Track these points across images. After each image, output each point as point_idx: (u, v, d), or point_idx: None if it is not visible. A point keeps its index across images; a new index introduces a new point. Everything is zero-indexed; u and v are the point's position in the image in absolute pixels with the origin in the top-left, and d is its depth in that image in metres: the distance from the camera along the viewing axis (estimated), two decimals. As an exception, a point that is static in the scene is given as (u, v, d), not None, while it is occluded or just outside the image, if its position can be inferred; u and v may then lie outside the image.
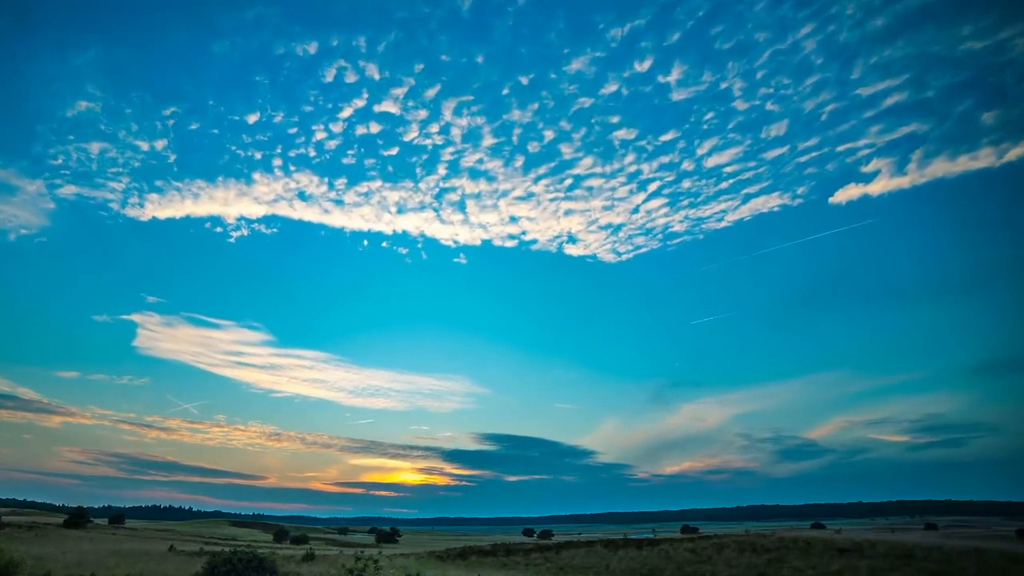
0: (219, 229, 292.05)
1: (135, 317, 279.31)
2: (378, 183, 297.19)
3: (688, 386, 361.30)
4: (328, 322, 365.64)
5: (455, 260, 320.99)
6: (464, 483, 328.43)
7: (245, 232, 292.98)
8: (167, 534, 52.37)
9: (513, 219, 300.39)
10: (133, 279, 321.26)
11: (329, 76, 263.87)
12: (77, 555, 24.88)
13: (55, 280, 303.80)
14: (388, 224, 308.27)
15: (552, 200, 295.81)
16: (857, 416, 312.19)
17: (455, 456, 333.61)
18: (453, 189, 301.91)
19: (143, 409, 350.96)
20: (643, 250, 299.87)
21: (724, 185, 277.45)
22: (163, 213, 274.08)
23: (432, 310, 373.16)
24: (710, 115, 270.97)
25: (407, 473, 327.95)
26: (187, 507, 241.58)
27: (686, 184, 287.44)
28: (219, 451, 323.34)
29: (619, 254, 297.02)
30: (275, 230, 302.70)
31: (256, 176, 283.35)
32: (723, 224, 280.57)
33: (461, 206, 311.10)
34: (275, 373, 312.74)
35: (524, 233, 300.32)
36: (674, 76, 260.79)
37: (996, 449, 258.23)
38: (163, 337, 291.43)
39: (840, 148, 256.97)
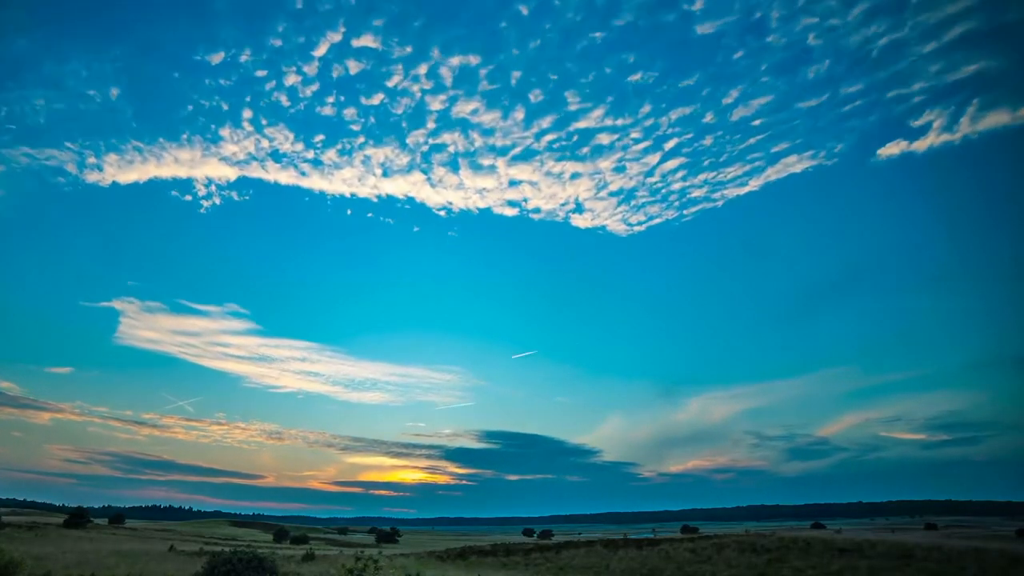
0: (188, 197, 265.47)
1: (117, 304, 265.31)
2: (360, 139, 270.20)
3: (696, 379, 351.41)
4: (314, 306, 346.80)
5: (449, 234, 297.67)
6: (464, 482, 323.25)
7: (217, 200, 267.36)
8: (167, 534, 52.37)
9: (513, 183, 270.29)
10: (109, 259, 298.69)
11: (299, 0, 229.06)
12: (77, 555, 24.87)
13: (23, 262, 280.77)
14: (373, 189, 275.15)
15: (559, 160, 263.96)
16: (870, 413, 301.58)
17: (454, 455, 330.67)
18: (444, 147, 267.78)
19: (127, 404, 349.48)
20: (656, 220, 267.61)
21: (751, 141, 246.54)
22: (125, 177, 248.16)
23: (425, 292, 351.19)
24: (739, 54, 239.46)
25: (406, 472, 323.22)
26: (186, 507, 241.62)
27: (707, 141, 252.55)
28: (215, 449, 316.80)
29: (630, 225, 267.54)
30: (248, 196, 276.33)
31: (224, 132, 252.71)
32: (746, 189, 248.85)
33: (453, 165, 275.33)
34: (265, 366, 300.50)
35: (526, 200, 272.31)
36: (699, 2, 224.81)
37: (1017, 447, 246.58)
38: (144, 325, 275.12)
39: (889, 95, 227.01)
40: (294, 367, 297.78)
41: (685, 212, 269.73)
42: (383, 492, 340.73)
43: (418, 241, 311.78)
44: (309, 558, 28.93)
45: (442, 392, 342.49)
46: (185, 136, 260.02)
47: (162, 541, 40.27)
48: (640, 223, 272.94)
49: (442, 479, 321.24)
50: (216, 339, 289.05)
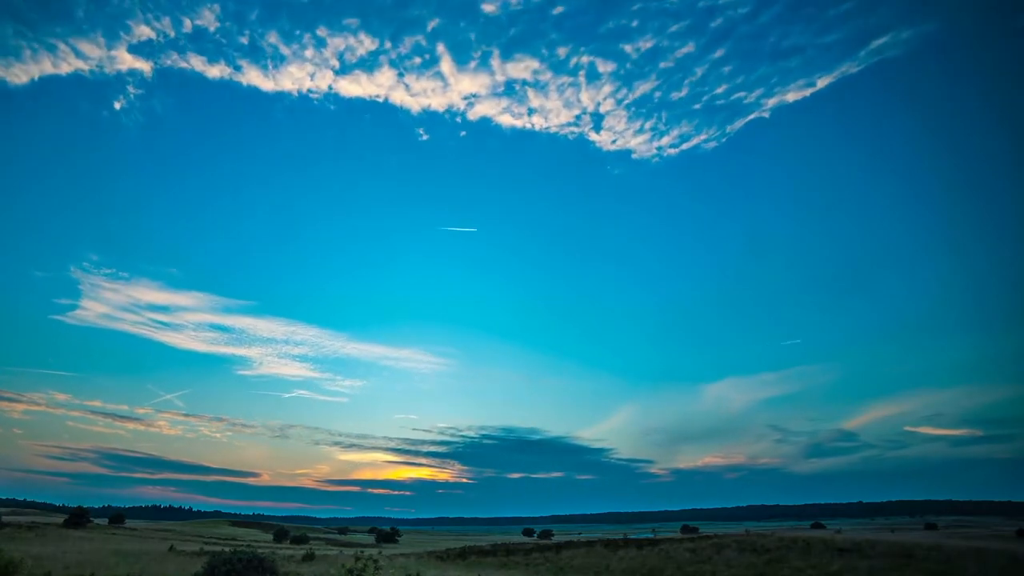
0: (98, 97, 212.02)
1: (76, 274, 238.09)
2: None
3: (717, 362, 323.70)
4: (265, 258, 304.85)
5: (430, 154, 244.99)
6: (464, 480, 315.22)
7: (133, 90, 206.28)
8: (167, 534, 52.40)
9: (510, 89, 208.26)
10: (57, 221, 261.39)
11: None
12: (77, 555, 24.88)
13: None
14: (328, 83, 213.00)
15: (569, 51, 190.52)
16: (903, 405, 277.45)
17: (453, 452, 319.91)
18: (420, 23, 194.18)
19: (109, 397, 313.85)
20: (692, 141, 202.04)
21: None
22: (27, 72, 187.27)
23: (402, 242, 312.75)
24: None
25: (401, 469, 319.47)
26: (186, 507, 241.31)
27: (764, 17, 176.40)
28: (201, 444, 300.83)
29: (660, 149, 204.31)
30: (169, 94, 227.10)
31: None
32: (810, 90, 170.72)
33: (430, 56, 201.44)
34: (234, 348, 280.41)
35: (531, 112, 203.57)
36: None
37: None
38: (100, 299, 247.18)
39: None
40: (273, 351, 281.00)
41: (729, 126, 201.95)
42: (380, 491, 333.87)
43: (387, 147, 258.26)
44: (309, 558, 28.95)
45: (430, 380, 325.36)
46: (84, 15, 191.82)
47: (162, 541, 40.29)
48: (672, 146, 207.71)
49: (442, 476, 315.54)
50: (187, 318, 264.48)
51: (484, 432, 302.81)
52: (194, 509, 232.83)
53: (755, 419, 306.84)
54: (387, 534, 72.53)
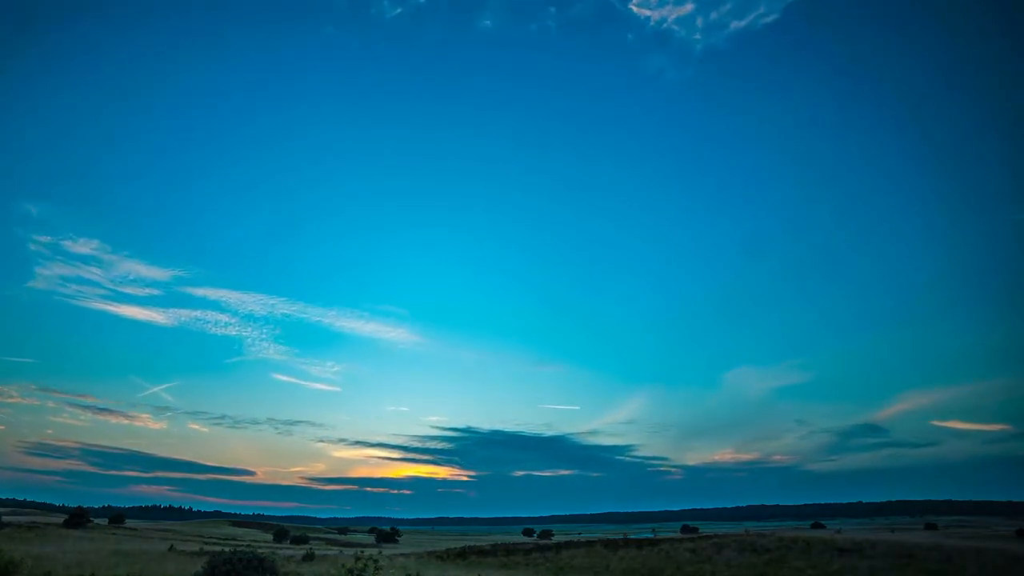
0: None
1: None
2: None
3: (735, 352, 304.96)
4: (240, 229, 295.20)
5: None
6: (464, 478, 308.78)
7: None
8: (167, 534, 52.41)
9: None
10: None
11: None
12: (77, 555, 24.89)
13: None
14: None
15: None
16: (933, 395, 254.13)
17: (452, 450, 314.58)
18: None
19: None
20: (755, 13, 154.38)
21: None
22: None
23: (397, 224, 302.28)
24: None
25: (399, 467, 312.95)
26: (185, 506, 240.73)
27: None
28: (188, 440, 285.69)
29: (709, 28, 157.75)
30: None
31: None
32: None
33: None
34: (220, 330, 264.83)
35: None
36: None
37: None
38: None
39: None
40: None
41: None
42: (378, 489, 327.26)
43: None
44: (309, 558, 28.96)
45: (426, 366, 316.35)
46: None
47: (162, 541, 40.29)
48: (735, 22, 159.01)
49: (441, 473, 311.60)
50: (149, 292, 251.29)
51: (483, 429, 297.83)
52: (193, 509, 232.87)
53: (774, 411, 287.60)
54: (387, 534, 72.55)
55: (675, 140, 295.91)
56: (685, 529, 73.49)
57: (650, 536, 47.94)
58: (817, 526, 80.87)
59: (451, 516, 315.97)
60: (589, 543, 37.10)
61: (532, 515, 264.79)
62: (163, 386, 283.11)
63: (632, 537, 43.90)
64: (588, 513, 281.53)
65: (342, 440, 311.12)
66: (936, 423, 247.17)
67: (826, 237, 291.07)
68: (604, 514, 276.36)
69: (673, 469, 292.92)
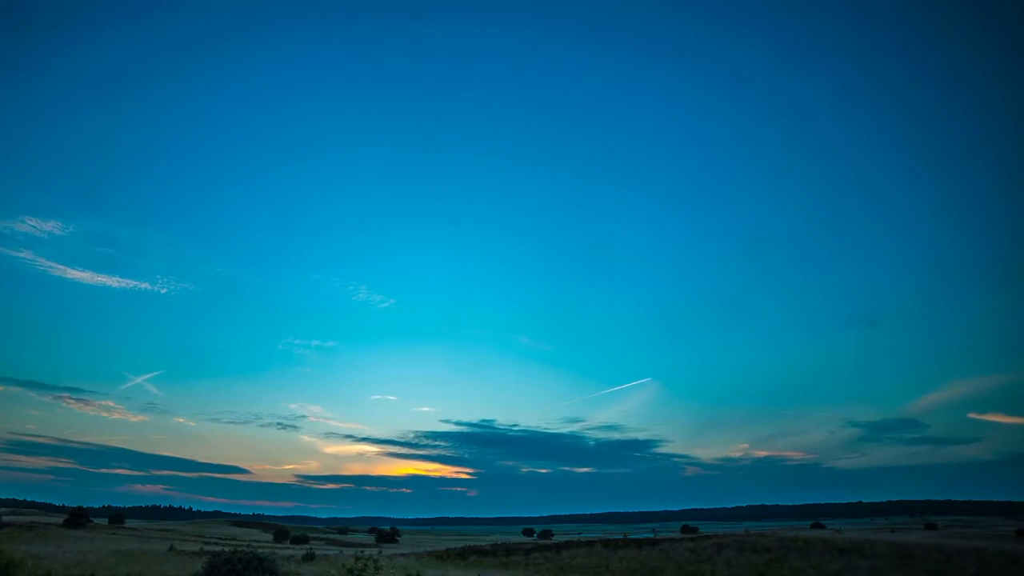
0: None
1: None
2: None
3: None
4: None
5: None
6: (464, 476, 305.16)
7: None
8: (167, 534, 52.41)
9: None
10: None
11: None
12: (77, 555, 24.90)
13: None
14: None
15: None
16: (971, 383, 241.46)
17: (451, 448, 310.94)
18: None
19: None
20: None
21: None
22: None
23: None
24: None
25: (398, 465, 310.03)
26: (185, 506, 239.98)
27: None
28: (177, 435, 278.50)
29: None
30: None
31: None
32: None
33: None
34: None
35: None
36: None
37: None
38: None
39: None
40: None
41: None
42: (376, 488, 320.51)
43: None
44: (309, 558, 28.97)
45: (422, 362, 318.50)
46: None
47: (162, 541, 40.29)
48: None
49: (441, 470, 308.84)
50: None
51: (485, 427, 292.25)
52: (193, 509, 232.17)
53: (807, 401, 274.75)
54: (387, 534, 72.55)
55: (677, 139, 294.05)
56: (685, 529, 73.47)
57: (650, 536, 47.94)
58: (817, 526, 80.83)
59: (451, 516, 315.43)
60: (589, 543, 37.08)
61: (532, 515, 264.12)
62: (146, 376, 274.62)
63: (632, 537, 43.89)
64: (588, 513, 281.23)
65: (326, 434, 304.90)
66: (974, 416, 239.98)
67: (845, 224, 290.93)
68: (604, 514, 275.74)
69: (687, 467, 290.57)
